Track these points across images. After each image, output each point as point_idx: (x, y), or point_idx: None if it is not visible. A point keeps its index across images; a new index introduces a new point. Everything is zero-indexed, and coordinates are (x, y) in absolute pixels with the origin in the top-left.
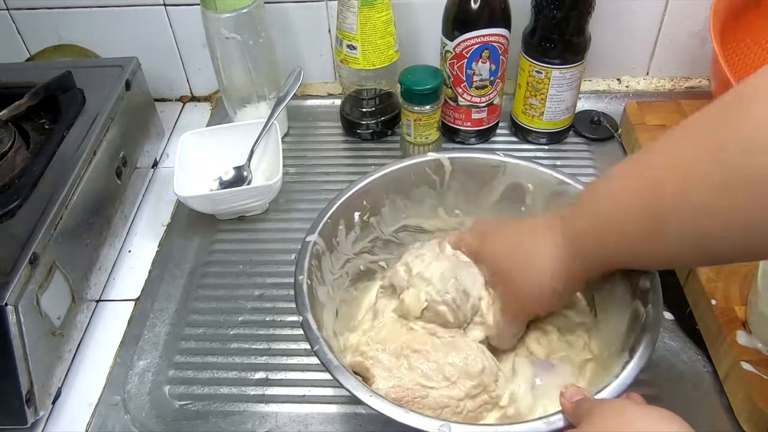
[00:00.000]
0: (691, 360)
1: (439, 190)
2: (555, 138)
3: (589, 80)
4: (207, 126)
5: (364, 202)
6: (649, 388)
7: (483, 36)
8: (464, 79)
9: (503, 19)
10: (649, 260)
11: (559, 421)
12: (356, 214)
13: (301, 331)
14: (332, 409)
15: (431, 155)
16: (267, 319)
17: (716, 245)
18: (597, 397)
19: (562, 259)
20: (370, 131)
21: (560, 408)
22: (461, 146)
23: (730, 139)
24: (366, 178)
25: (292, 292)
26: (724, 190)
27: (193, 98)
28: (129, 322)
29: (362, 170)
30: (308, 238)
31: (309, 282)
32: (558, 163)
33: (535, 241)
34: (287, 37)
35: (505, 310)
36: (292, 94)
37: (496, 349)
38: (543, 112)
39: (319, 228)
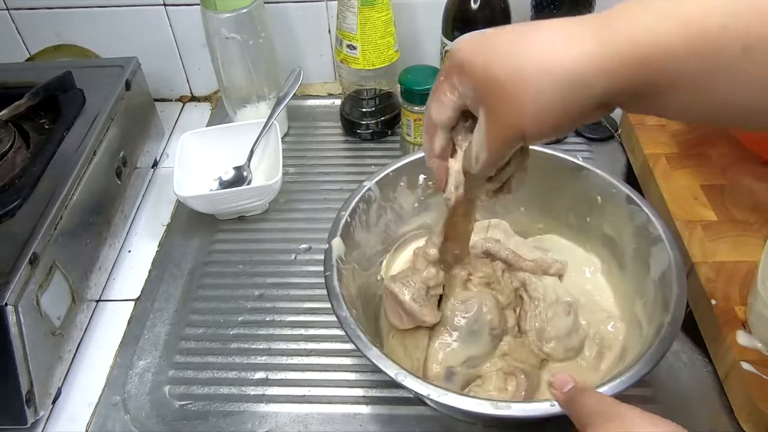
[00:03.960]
0: (691, 360)
1: None
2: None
3: None
4: (207, 126)
5: None
6: (649, 388)
7: None
8: None
9: (503, 19)
10: (682, 86)
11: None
12: (421, 177)
13: (301, 331)
14: (332, 409)
15: None
16: (267, 319)
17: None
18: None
19: (593, 62)
20: (370, 131)
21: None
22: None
23: None
24: None
25: (292, 292)
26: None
27: (193, 98)
28: (129, 322)
29: (362, 170)
30: (365, 183)
31: (349, 219)
32: None
33: (552, 29)
34: (287, 37)
35: (492, 125)
36: (292, 94)
37: None
38: None
39: (379, 177)
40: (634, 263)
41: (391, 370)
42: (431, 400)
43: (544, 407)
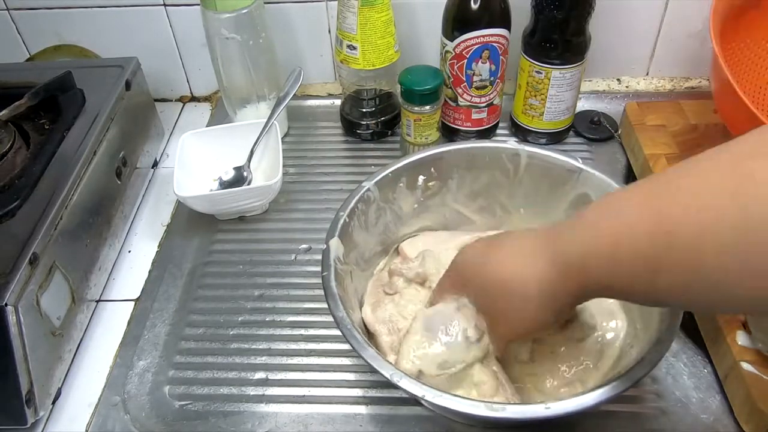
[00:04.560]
0: (691, 360)
1: (511, 178)
2: (555, 138)
3: (589, 80)
4: (207, 126)
5: (432, 169)
6: (649, 388)
7: (483, 36)
8: (464, 79)
9: (503, 20)
10: (645, 291)
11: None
12: (421, 178)
13: (301, 331)
14: (332, 409)
15: (511, 143)
16: (267, 319)
17: (718, 282)
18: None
19: (550, 285)
20: (370, 131)
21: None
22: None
23: (746, 187)
24: (439, 147)
25: (292, 293)
26: (740, 230)
27: (193, 98)
28: (129, 322)
29: (362, 170)
30: (363, 183)
31: (347, 220)
32: None
33: (524, 264)
34: (287, 37)
35: (493, 331)
36: (292, 94)
37: None
38: (543, 113)
39: (378, 178)
40: None
41: (387, 371)
42: (426, 401)
43: (538, 410)
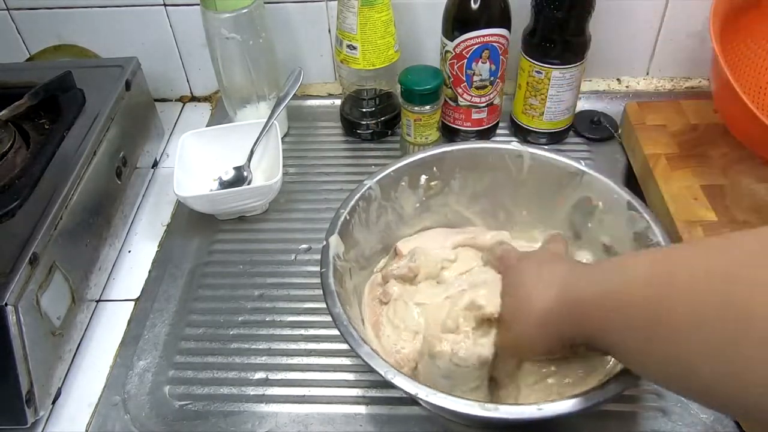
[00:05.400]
0: None
1: (514, 180)
2: (555, 138)
3: (589, 80)
4: (207, 126)
5: (434, 169)
6: (649, 387)
7: (483, 36)
8: (464, 79)
9: (503, 19)
10: (636, 358)
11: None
12: (423, 177)
13: (301, 331)
14: (332, 409)
15: (514, 145)
16: (267, 319)
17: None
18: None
19: (551, 316)
20: (370, 131)
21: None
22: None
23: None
24: (441, 147)
25: (292, 293)
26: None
27: (193, 98)
28: (129, 322)
29: (362, 170)
30: (365, 181)
31: (348, 217)
32: None
33: (535, 290)
34: (287, 37)
35: (501, 336)
36: (292, 94)
37: None
38: (543, 113)
39: (380, 177)
40: None
41: (382, 368)
42: (420, 399)
43: (530, 410)
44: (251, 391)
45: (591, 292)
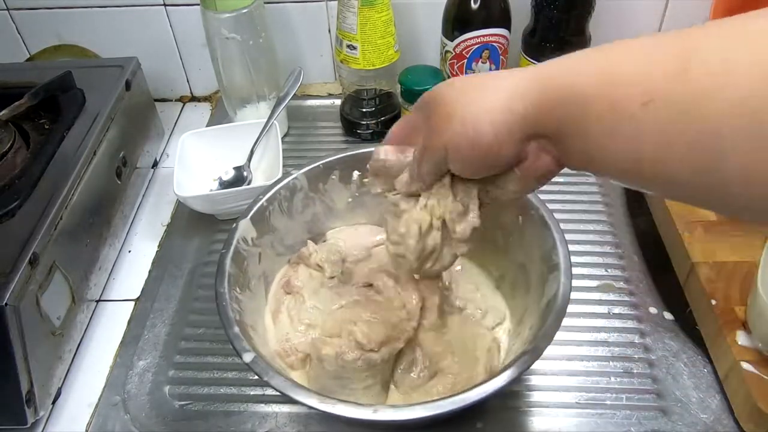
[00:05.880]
0: (691, 360)
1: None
2: None
3: None
4: (207, 126)
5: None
6: (649, 387)
7: (483, 36)
8: None
9: (503, 19)
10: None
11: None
12: (355, 173)
13: None
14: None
15: None
16: None
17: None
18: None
19: (515, 85)
20: (370, 131)
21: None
22: None
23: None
24: (375, 145)
25: None
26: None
27: (193, 98)
28: (129, 322)
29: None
30: (291, 171)
31: (266, 204)
32: None
33: (502, 71)
34: (287, 37)
35: (426, 137)
36: (292, 94)
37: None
38: None
39: (308, 168)
40: (535, 290)
41: (242, 348)
42: (272, 386)
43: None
44: (251, 391)
45: (580, 77)
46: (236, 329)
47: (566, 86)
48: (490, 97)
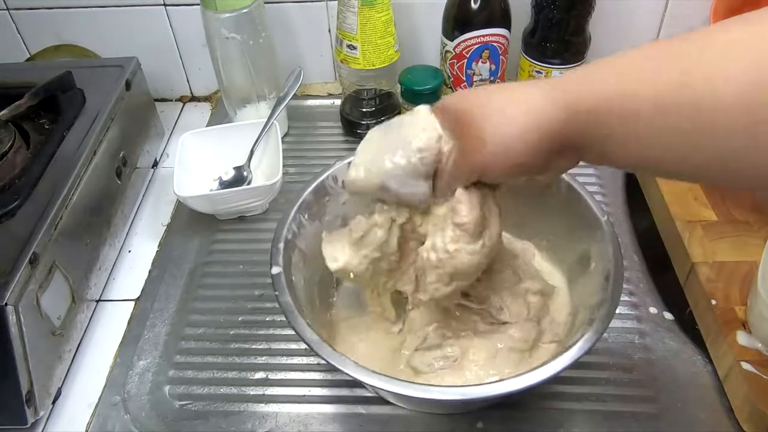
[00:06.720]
0: (691, 360)
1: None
2: None
3: None
4: (207, 126)
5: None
6: (649, 388)
7: (483, 36)
8: (464, 79)
9: (503, 19)
10: (622, 142)
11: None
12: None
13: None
14: (332, 409)
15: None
16: (267, 319)
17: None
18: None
19: (540, 106)
20: None
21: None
22: None
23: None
24: None
25: None
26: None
27: (193, 98)
28: (129, 322)
29: None
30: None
31: (305, 216)
32: None
33: (513, 87)
34: (287, 37)
35: (459, 157)
36: (292, 94)
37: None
38: None
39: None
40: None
41: (275, 269)
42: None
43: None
44: (251, 391)
45: (598, 93)
46: (281, 245)
47: (587, 102)
48: (520, 118)
